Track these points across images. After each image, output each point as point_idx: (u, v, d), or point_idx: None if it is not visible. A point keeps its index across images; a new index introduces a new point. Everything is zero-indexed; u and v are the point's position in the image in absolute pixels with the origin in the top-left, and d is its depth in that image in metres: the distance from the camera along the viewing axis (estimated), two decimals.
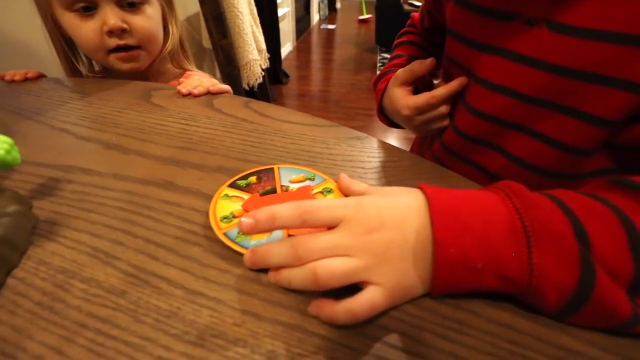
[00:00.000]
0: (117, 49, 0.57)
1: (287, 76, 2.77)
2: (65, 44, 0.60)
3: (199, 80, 0.55)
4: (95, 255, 0.26)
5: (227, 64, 1.74)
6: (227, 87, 0.55)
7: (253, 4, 1.90)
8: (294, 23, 3.39)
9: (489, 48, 0.34)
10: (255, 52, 1.86)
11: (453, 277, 0.21)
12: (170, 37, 0.65)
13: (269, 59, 1.99)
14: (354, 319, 0.21)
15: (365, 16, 4.57)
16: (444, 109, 0.41)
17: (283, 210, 0.23)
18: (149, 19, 0.59)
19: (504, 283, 0.21)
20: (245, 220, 0.22)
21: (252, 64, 1.83)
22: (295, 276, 0.22)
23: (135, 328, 0.21)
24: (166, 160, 0.37)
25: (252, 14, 1.91)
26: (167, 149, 0.39)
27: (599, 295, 0.20)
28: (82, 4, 0.54)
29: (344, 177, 0.31)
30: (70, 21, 0.55)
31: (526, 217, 0.21)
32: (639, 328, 0.21)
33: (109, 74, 0.65)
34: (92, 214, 0.30)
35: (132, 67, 0.60)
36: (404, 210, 0.23)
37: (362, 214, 0.23)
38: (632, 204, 0.22)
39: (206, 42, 1.76)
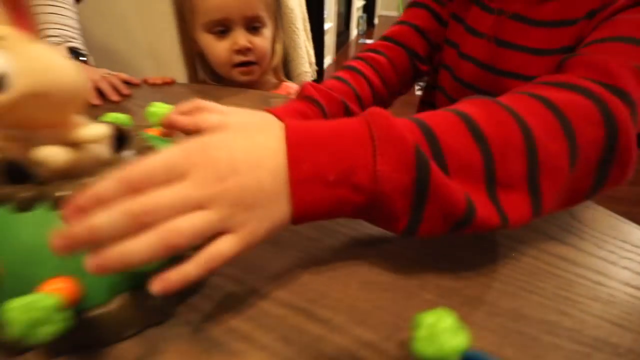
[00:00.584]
0: (240, 64, 0.71)
1: None
2: (196, 57, 0.75)
3: None
4: None
5: (282, 75, 1.89)
6: None
7: (307, 20, 2.06)
8: (335, 37, 3.56)
9: (477, 33, 0.47)
10: (307, 65, 2.00)
11: (309, 194, 0.22)
12: (275, 54, 0.78)
13: (316, 71, 2.14)
14: (207, 272, 0.20)
15: None
16: None
17: (103, 186, 0.18)
18: (265, 40, 0.72)
19: (357, 193, 0.22)
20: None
21: (303, 75, 1.98)
22: (135, 249, 0.18)
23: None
24: None
25: (305, 30, 2.06)
26: None
27: (435, 189, 0.22)
28: (220, 28, 0.67)
29: (193, 104, 0.33)
30: (207, 41, 0.69)
31: (373, 126, 0.23)
32: (472, 226, 0.23)
33: (222, 82, 0.79)
34: None
35: (248, 79, 0.73)
36: (259, 152, 0.22)
37: (211, 159, 0.20)
38: (469, 104, 0.26)
39: None
